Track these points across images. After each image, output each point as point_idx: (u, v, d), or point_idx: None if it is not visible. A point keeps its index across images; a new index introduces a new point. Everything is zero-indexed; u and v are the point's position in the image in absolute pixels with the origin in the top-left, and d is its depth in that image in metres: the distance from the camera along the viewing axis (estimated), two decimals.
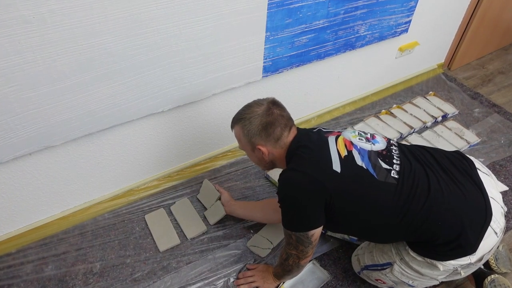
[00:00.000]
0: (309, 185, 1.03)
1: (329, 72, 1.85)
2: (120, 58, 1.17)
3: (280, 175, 1.09)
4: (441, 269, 1.05)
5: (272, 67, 1.56)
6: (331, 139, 1.10)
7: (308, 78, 1.79)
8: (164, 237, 1.48)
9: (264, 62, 1.52)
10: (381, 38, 1.84)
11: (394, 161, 1.07)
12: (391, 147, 1.12)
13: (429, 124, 2.02)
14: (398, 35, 1.92)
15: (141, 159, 1.56)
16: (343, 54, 1.77)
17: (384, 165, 1.05)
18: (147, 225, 1.52)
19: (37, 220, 1.48)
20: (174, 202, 1.60)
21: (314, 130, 1.17)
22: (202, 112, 1.56)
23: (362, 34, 1.74)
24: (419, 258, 1.08)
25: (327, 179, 1.02)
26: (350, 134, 1.13)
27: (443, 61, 2.46)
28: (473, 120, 2.09)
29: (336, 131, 1.16)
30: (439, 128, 2.00)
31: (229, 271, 1.40)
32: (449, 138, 1.93)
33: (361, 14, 1.64)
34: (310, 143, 1.09)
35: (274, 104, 1.13)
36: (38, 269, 1.38)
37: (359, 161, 1.04)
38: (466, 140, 1.92)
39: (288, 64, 1.60)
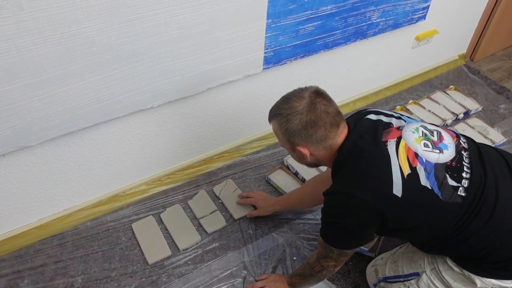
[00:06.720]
0: (364, 212, 1.01)
1: (337, 64, 1.86)
2: (104, 48, 1.17)
3: (328, 194, 1.06)
4: (479, 285, 1.06)
5: (274, 58, 1.56)
6: (391, 147, 1.01)
7: (314, 71, 1.79)
8: (153, 248, 1.48)
9: (265, 53, 1.52)
10: (396, 25, 1.85)
11: (464, 174, 1.02)
12: (462, 152, 1.06)
13: (449, 121, 2.02)
14: (415, 23, 1.92)
15: (127, 161, 1.56)
16: (353, 43, 1.77)
17: (452, 182, 1.00)
18: (134, 234, 1.53)
19: (11, 229, 1.48)
20: (165, 209, 1.61)
21: (367, 125, 1.08)
22: (196, 108, 1.56)
23: (374, 21, 1.74)
24: (456, 269, 1.09)
25: (386, 205, 0.99)
26: (413, 136, 1.04)
27: (465, 51, 2.46)
28: (498, 118, 2.10)
29: (394, 125, 1.07)
30: (460, 126, 2.00)
31: (226, 286, 1.40)
32: (472, 138, 1.93)
33: None
34: (367, 152, 1.02)
35: (318, 95, 1.05)
36: (13, 283, 1.38)
37: (423, 180, 0.99)
38: (491, 140, 1.92)
39: (291, 55, 1.60)
